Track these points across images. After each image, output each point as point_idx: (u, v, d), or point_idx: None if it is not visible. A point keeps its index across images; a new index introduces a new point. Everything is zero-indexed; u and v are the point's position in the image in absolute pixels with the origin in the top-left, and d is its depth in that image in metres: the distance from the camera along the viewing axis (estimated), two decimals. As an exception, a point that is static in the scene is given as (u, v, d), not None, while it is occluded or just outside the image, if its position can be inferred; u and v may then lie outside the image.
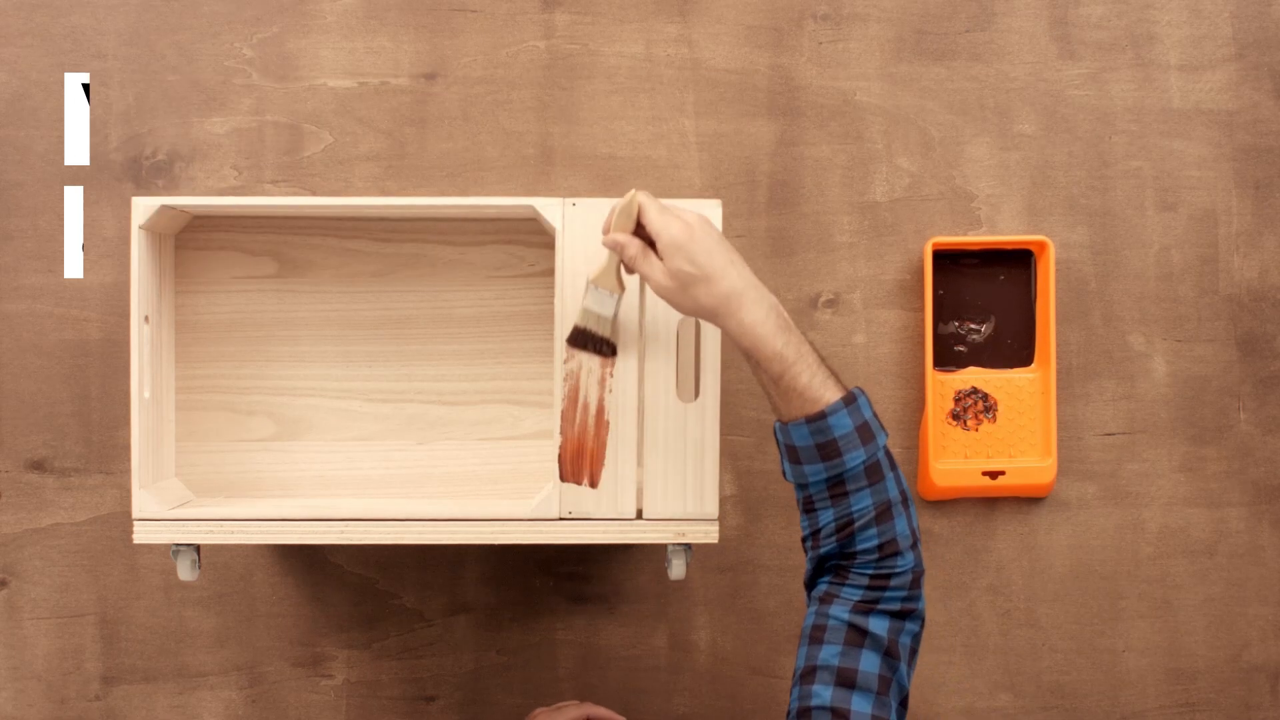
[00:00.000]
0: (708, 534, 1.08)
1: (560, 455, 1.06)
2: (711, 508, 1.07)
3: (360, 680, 1.26)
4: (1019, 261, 1.26)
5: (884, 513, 0.93)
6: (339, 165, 1.24)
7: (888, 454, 0.95)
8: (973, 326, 1.26)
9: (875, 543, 0.93)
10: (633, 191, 0.97)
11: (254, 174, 1.24)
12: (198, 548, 1.08)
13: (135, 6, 1.23)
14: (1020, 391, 1.25)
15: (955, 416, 1.25)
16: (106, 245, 1.23)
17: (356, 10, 1.24)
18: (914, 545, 0.95)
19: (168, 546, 1.16)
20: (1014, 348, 1.26)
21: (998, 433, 1.25)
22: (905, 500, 0.95)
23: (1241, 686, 1.27)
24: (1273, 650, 1.28)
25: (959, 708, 1.27)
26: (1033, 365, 1.26)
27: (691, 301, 0.94)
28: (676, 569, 1.09)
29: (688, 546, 1.08)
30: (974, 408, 1.25)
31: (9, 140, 1.23)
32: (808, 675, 0.92)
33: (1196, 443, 1.27)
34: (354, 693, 1.26)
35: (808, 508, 0.96)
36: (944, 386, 1.25)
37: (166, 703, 1.25)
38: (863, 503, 0.93)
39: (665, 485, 1.07)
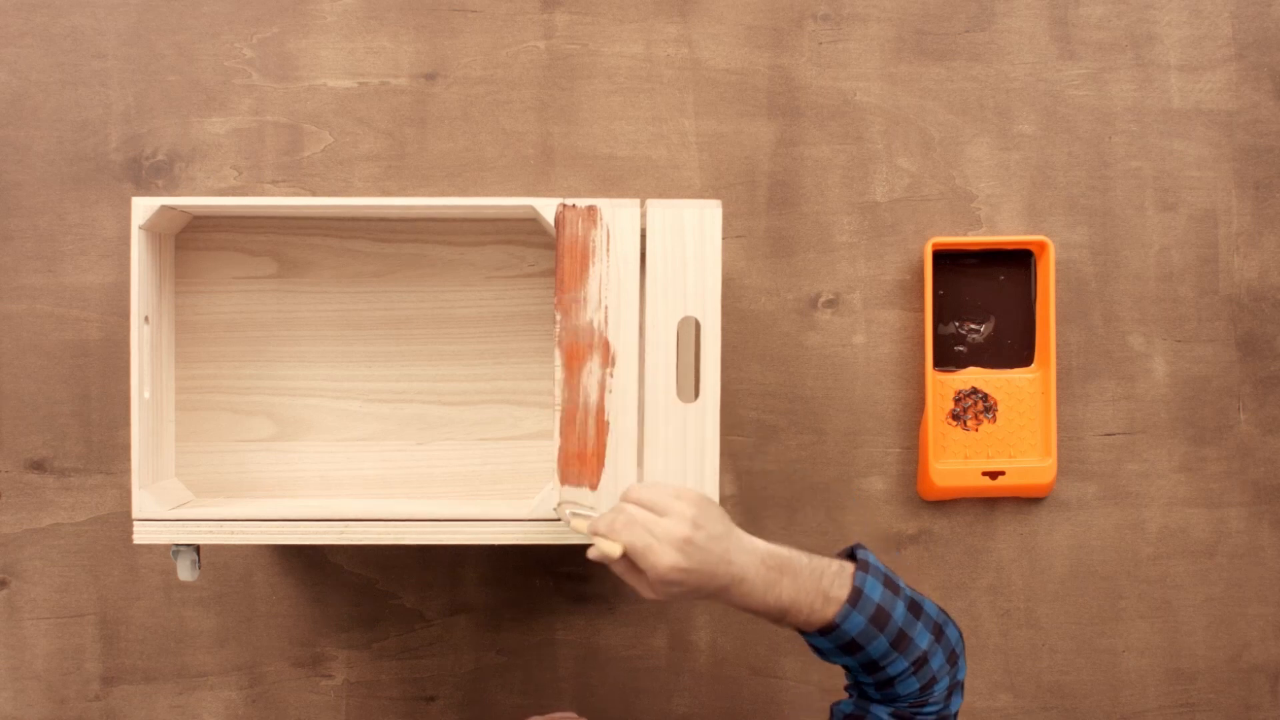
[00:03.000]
0: (708, 534, 1.07)
1: (560, 458, 1.06)
2: (711, 508, 1.07)
3: (360, 680, 1.26)
4: (1019, 261, 1.26)
5: (920, 663, 0.95)
6: (339, 165, 1.24)
7: (910, 607, 0.95)
8: (973, 326, 1.26)
9: (916, 687, 0.96)
10: (619, 547, 0.92)
11: (254, 174, 1.24)
12: (198, 548, 1.08)
13: (135, 6, 1.23)
14: (1020, 392, 1.25)
15: (955, 417, 1.25)
16: (106, 245, 1.23)
17: (356, 10, 1.24)
18: (951, 666, 0.97)
19: (168, 546, 1.16)
20: (1014, 348, 1.26)
21: (998, 433, 1.25)
22: (939, 634, 0.96)
23: (1241, 686, 1.27)
24: (1273, 650, 1.28)
25: (959, 707, 1.27)
26: (1033, 365, 1.26)
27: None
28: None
29: (688, 547, 1.08)
30: (974, 408, 1.25)
31: (9, 140, 1.23)
32: None
33: (1196, 443, 1.27)
34: (354, 693, 1.26)
35: (849, 672, 0.99)
36: (944, 386, 1.25)
37: (166, 703, 1.25)
38: (898, 667, 0.95)
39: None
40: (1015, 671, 1.27)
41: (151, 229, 1.10)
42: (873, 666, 0.95)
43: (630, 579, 0.94)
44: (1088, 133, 1.26)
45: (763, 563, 0.92)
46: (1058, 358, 1.25)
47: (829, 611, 0.93)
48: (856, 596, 0.93)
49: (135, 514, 1.06)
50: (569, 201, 1.06)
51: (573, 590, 1.26)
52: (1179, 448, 1.27)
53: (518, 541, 1.07)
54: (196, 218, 1.16)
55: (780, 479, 1.25)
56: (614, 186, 1.24)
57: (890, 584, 0.95)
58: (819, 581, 0.93)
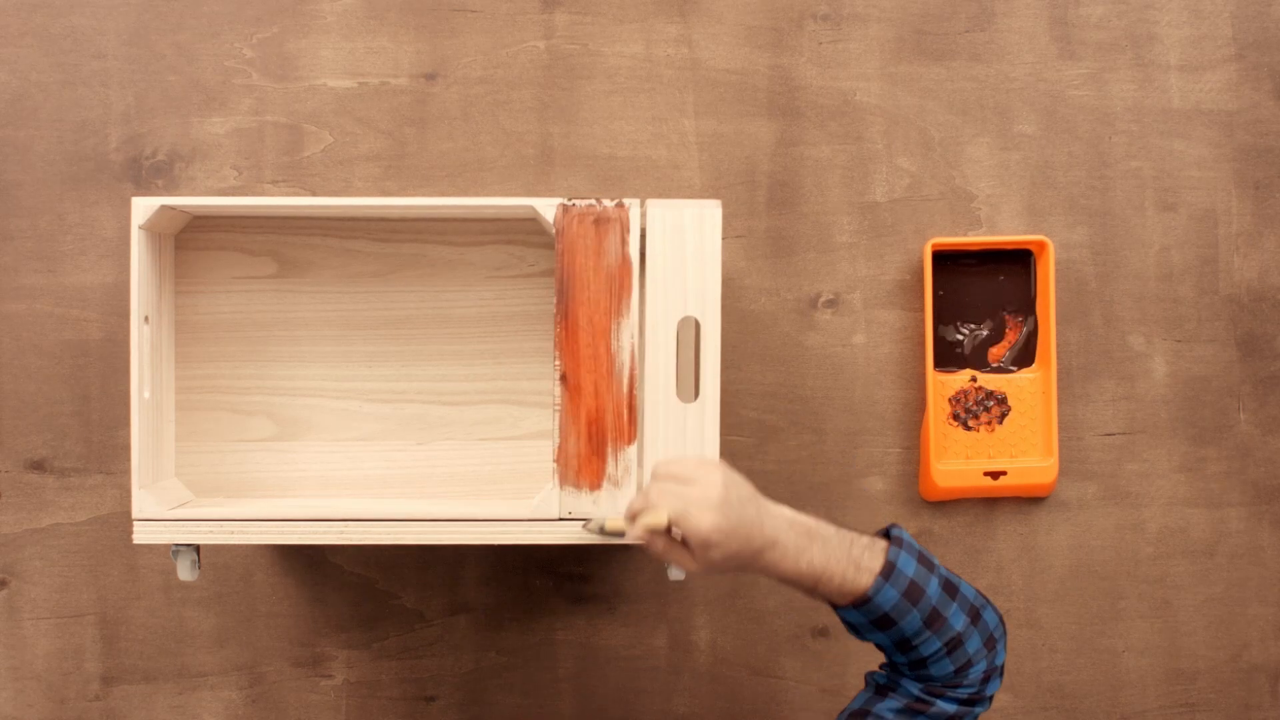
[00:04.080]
0: (708, 534, 1.07)
1: (559, 458, 1.06)
2: (711, 508, 1.07)
3: (360, 680, 1.26)
4: (1019, 261, 1.26)
5: (954, 645, 0.95)
6: (339, 165, 1.24)
7: (945, 587, 0.95)
8: (973, 327, 1.26)
9: (950, 670, 0.96)
10: (664, 514, 0.93)
11: (254, 174, 1.24)
12: (197, 548, 1.08)
13: (135, 6, 1.23)
14: (1021, 392, 1.25)
15: (969, 415, 1.25)
16: (106, 245, 1.23)
17: (356, 10, 1.24)
18: (989, 649, 0.96)
19: (168, 546, 1.16)
20: (1015, 348, 1.26)
21: (999, 433, 1.25)
22: (975, 617, 0.96)
23: (1241, 686, 1.27)
24: (1273, 650, 1.28)
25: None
26: (1033, 365, 1.26)
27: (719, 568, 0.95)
28: (676, 570, 1.09)
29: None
30: (990, 411, 1.25)
31: (9, 140, 1.23)
32: (858, 716, 0.97)
33: (1196, 443, 1.27)
34: (354, 693, 1.26)
35: (882, 650, 0.98)
36: (944, 387, 1.25)
37: (166, 703, 1.25)
38: (931, 647, 0.95)
39: (665, 485, 1.07)
40: (1015, 671, 1.27)
41: (151, 229, 1.10)
42: (905, 645, 0.95)
43: (672, 555, 0.94)
44: (1088, 133, 1.26)
45: (791, 527, 0.93)
46: (1058, 358, 1.25)
47: (862, 581, 0.93)
48: (890, 569, 0.93)
49: (135, 514, 1.06)
50: (569, 201, 1.06)
51: (573, 590, 1.26)
52: (1179, 448, 1.27)
53: (518, 541, 1.07)
54: (196, 218, 1.16)
55: (780, 479, 1.25)
56: (614, 186, 1.24)
57: (925, 561, 0.95)
58: (849, 550, 0.94)
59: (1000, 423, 1.25)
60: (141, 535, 1.06)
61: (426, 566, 1.26)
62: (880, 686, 0.98)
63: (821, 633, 1.26)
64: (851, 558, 0.93)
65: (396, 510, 1.08)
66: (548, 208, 1.06)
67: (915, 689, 0.96)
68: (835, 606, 0.96)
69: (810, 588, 0.94)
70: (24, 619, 1.25)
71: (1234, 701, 1.27)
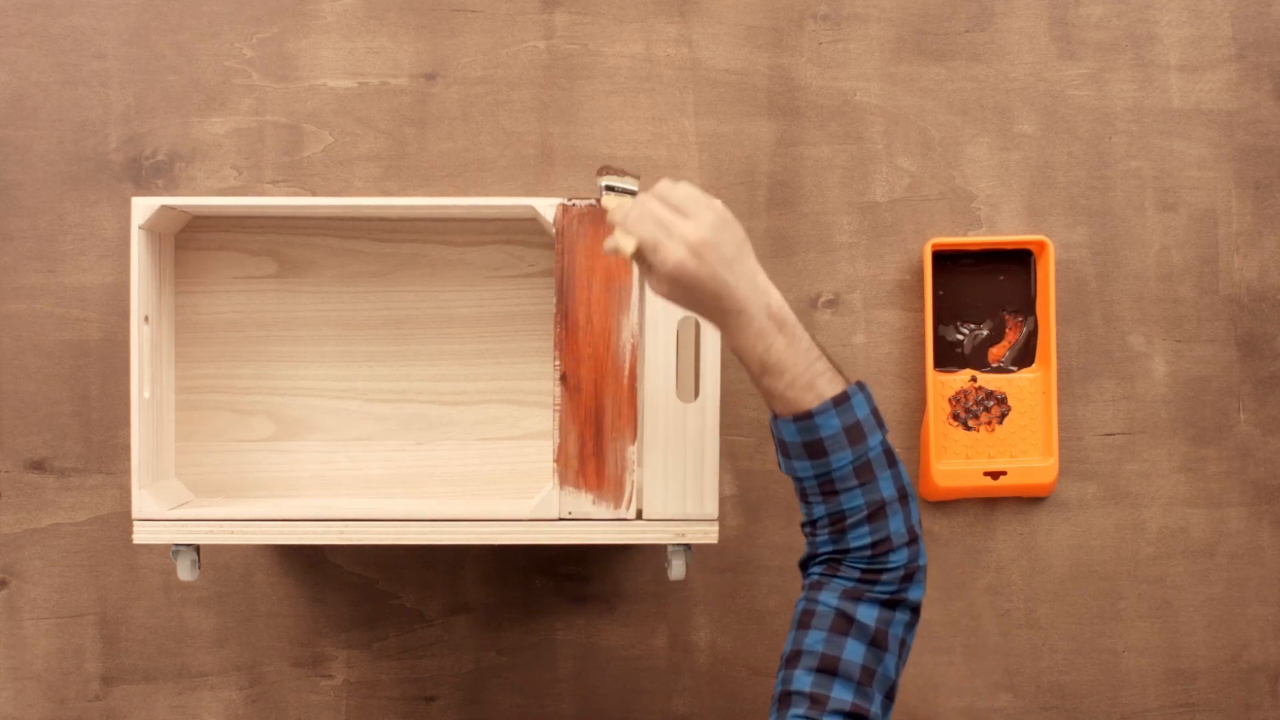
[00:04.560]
0: (707, 534, 1.08)
1: (559, 458, 1.06)
2: (711, 508, 1.07)
3: (360, 680, 1.26)
4: (1019, 261, 1.26)
5: (877, 512, 0.92)
6: (339, 165, 1.24)
7: (885, 451, 0.93)
8: (973, 326, 1.26)
9: (868, 540, 0.92)
10: (633, 243, 0.90)
11: (254, 174, 1.24)
12: (198, 548, 1.08)
13: (135, 6, 1.23)
14: (1021, 392, 1.25)
15: (969, 415, 1.25)
16: (106, 245, 1.23)
17: (356, 10, 1.24)
18: (910, 542, 0.93)
19: (168, 546, 1.16)
20: (1015, 348, 1.26)
21: (999, 433, 1.25)
22: (904, 497, 0.93)
23: (1241, 686, 1.27)
24: (1273, 650, 1.28)
25: (959, 708, 1.27)
26: (1033, 365, 1.26)
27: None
28: (676, 569, 1.09)
29: (687, 547, 1.08)
30: (990, 411, 1.25)
31: (9, 140, 1.23)
32: (792, 659, 0.91)
33: (1196, 443, 1.27)
34: (354, 693, 1.26)
35: (803, 499, 0.95)
36: (944, 387, 1.25)
37: (166, 703, 1.25)
38: (854, 502, 0.92)
39: (665, 486, 1.07)
40: (1015, 671, 1.27)
41: (151, 229, 1.10)
42: (829, 487, 0.92)
43: (643, 272, 0.92)
44: (1088, 133, 1.26)
45: (766, 308, 0.91)
46: (1058, 358, 1.25)
47: (807, 398, 0.90)
48: (842, 399, 0.91)
49: (135, 514, 1.06)
50: (569, 201, 1.06)
51: (573, 590, 1.26)
52: (1179, 448, 1.27)
53: (518, 541, 1.07)
54: (196, 218, 1.16)
55: (780, 479, 1.25)
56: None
57: (876, 416, 0.93)
58: (811, 365, 0.91)
59: (1000, 423, 1.25)
60: (141, 535, 1.06)
61: (426, 566, 1.26)
62: (802, 617, 0.92)
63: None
64: (811, 371, 0.91)
65: (396, 510, 1.08)
66: (548, 208, 1.06)
67: (834, 599, 0.91)
68: (773, 419, 0.93)
69: (757, 374, 0.91)
70: (24, 619, 1.25)
71: (1234, 701, 1.27)
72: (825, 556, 0.94)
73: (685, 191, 0.92)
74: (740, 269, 0.91)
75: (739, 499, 1.25)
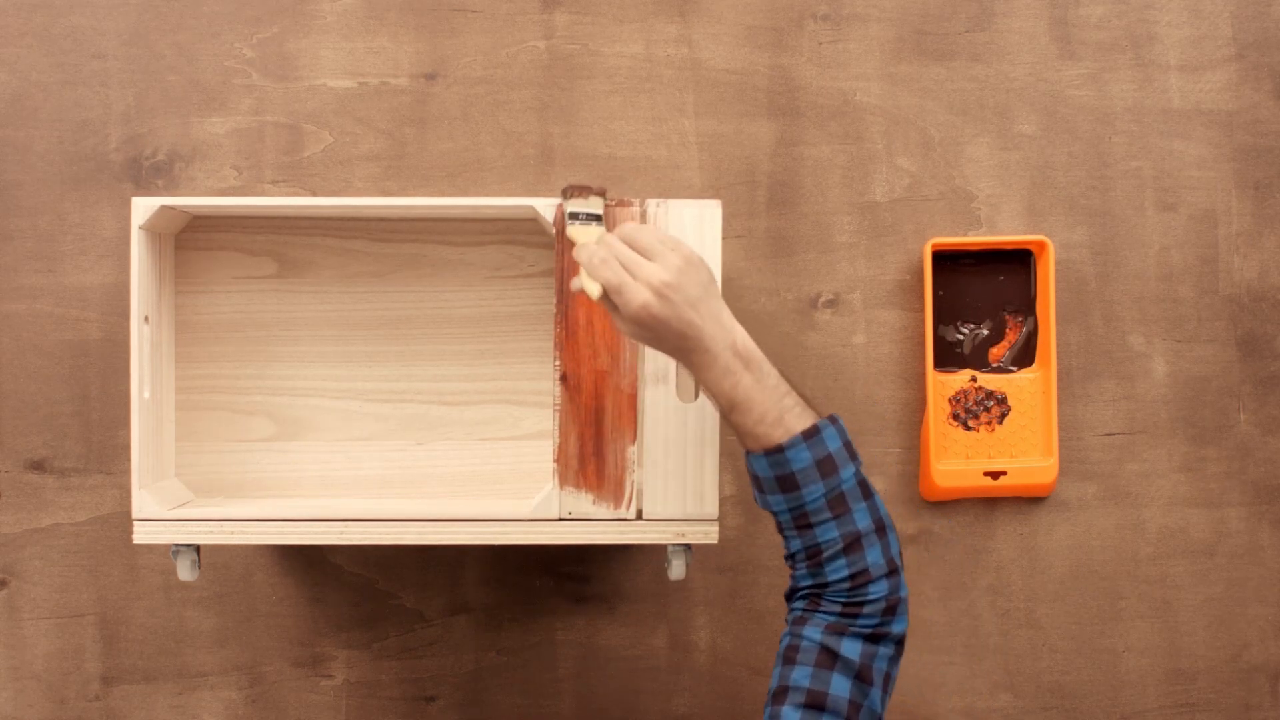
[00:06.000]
0: (707, 534, 1.08)
1: (559, 458, 1.06)
2: (711, 508, 1.07)
3: (360, 680, 1.26)
4: (1019, 261, 1.26)
5: (853, 544, 0.92)
6: (339, 165, 1.24)
7: (860, 484, 0.94)
8: (973, 326, 1.26)
9: (845, 573, 0.92)
10: (597, 287, 0.92)
11: (254, 174, 1.24)
12: (198, 548, 1.08)
13: (135, 6, 1.23)
14: (1021, 392, 1.25)
15: (969, 415, 1.25)
16: (106, 245, 1.23)
17: (356, 10, 1.24)
18: (890, 574, 0.93)
19: (168, 546, 1.16)
20: (1015, 348, 1.26)
21: (999, 433, 1.25)
22: (881, 529, 0.94)
23: (1241, 686, 1.27)
24: (1273, 650, 1.28)
25: (959, 708, 1.27)
26: (1033, 365, 1.26)
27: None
28: (676, 569, 1.09)
29: (688, 547, 1.08)
30: (990, 411, 1.25)
31: (9, 140, 1.23)
32: (779, 695, 0.92)
33: (1196, 443, 1.27)
34: (354, 693, 1.26)
35: (780, 532, 0.96)
36: (944, 387, 1.25)
37: (166, 703, 1.25)
38: (829, 534, 0.93)
39: (665, 486, 1.07)
40: (1015, 671, 1.27)
41: (151, 229, 1.10)
42: (803, 520, 0.92)
43: (609, 310, 0.94)
44: (1088, 133, 1.26)
45: (732, 346, 0.92)
46: (1058, 358, 1.25)
47: (776, 433, 0.91)
48: (813, 433, 0.92)
49: (135, 514, 1.06)
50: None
51: (573, 590, 1.26)
52: (1179, 448, 1.27)
53: (518, 541, 1.07)
54: (196, 218, 1.16)
55: (780, 479, 1.25)
56: (614, 186, 1.24)
57: (849, 448, 0.93)
58: (780, 400, 0.92)
59: (1000, 423, 1.25)
60: (141, 535, 1.06)
61: (426, 566, 1.26)
62: (787, 653, 0.93)
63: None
64: (780, 407, 0.92)
65: (396, 510, 1.08)
66: (548, 208, 1.06)
67: (817, 634, 0.92)
68: (747, 454, 0.94)
69: (726, 410, 0.93)
70: (24, 619, 1.25)
71: (1234, 701, 1.27)
72: (806, 591, 0.95)
73: (649, 234, 0.93)
74: (705, 309, 0.92)
75: (739, 499, 1.25)
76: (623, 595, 1.26)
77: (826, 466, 0.92)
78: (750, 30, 1.25)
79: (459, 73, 1.24)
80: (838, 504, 0.92)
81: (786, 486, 0.92)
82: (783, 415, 0.92)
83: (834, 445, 0.93)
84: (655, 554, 1.25)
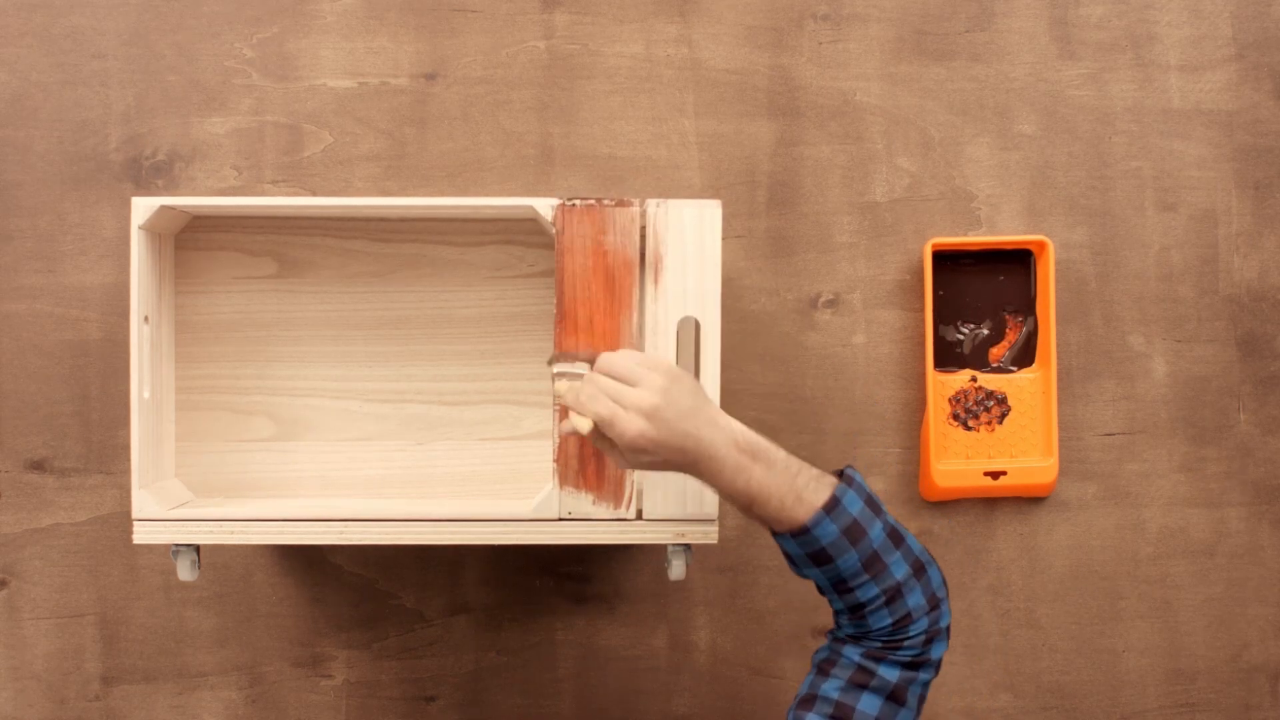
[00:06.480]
0: (707, 534, 1.08)
1: (558, 458, 1.06)
2: (711, 508, 1.07)
3: (360, 680, 1.26)
4: (1019, 261, 1.26)
5: (893, 596, 0.93)
6: (339, 165, 1.24)
7: (890, 534, 0.94)
8: (973, 326, 1.26)
9: (888, 622, 0.94)
10: (587, 423, 0.92)
11: (254, 174, 1.24)
12: (198, 548, 1.08)
13: (135, 6, 1.23)
14: (1021, 392, 1.25)
15: (969, 415, 1.25)
16: (106, 245, 1.23)
17: (356, 10, 1.24)
18: (931, 609, 0.94)
19: (168, 546, 1.16)
20: (1015, 348, 1.26)
21: (999, 433, 1.25)
22: (919, 570, 0.94)
23: (1241, 686, 1.27)
24: (1273, 650, 1.28)
25: (959, 708, 1.27)
26: (1033, 365, 1.26)
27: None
28: (676, 569, 1.09)
29: (687, 547, 1.08)
30: (990, 411, 1.25)
31: (9, 140, 1.23)
32: (806, 702, 0.93)
33: (1196, 443, 1.27)
34: (354, 693, 1.26)
35: (822, 594, 0.97)
36: (944, 387, 1.25)
37: (166, 703, 1.25)
38: (869, 593, 0.93)
39: (665, 486, 1.07)
40: (1015, 671, 1.27)
41: (151, 229, 1.10)
42: (842, 585, 0.93)
43: (604, 448, 0.94)
44: (1088, 133, 1.26)
45: (734, 444, 0.92)
46: (1058, 358, 1.25)
47: (799, 513, 0.91)
48: (833, 504, 0.92)
49: (135, 514, 1.06)
50: (569, 201, 1.06)
51: (573, 590, 1.26)
52: (1179, 448, 1.27)
53: (518, 541, 1.07)
54: (196, 218, 1.16)
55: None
56: (614, 186, 1.24)
57: (872, 504, 0.94)
58: (794, 479, 0.92)
59: (1000, 423, 1.25)
60: (141, 535, 1.06)
61: (426, 566, 1.26)
62: (822, 664, 0.96)
63: (821, 633, 1.26)
64: (795, 487, 0.92)
65: (396, 510, 1.08)
66: (547, 208, 1.06)
67: (856, 655, 0.94)
68: (774, 534, 0.94)
69: (745, 507, 0.93)
70: (24, 619, 1.25)
71: (1234, 701, 1.27)
72: (847, 635, 0.96)
73: (626, 360, 0.93)
74: (700, 417, 0.92)
75: (739, 499, 1.25)
76: (623, 595, 1.26)
77: (854, 532, 0.92)
78: (750, 30, 1.25)
79: (459, 73, 1.24)
80: (872, 563, 0.93)
81: (820, 561, 0.93)
82: (800, 493, 0.92)
83: (855, 509, 0.93)
84: (655, 554, 1.25)
